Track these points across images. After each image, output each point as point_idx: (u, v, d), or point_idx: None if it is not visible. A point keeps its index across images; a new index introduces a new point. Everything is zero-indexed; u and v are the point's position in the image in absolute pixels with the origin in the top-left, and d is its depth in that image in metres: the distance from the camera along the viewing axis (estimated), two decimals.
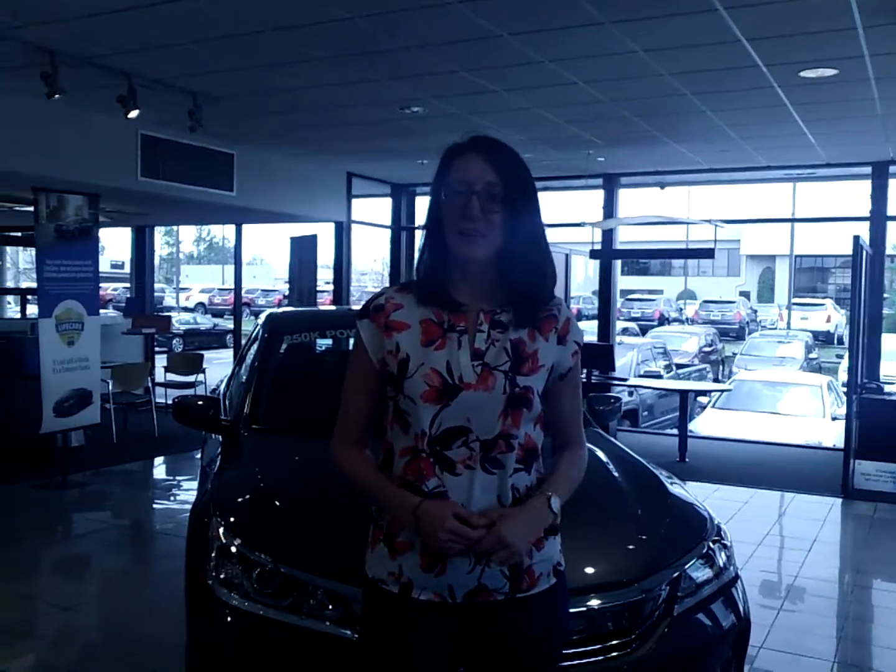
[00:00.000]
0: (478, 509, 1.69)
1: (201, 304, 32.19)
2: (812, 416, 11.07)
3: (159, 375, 9.98)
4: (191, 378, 9.66)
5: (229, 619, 2.50)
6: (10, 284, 21.01)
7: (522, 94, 6.13)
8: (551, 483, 1.78)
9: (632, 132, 7.32)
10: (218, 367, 11.74)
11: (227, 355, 15.87)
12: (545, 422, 1.82)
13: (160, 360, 10.96)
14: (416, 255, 1.85)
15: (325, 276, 11.67)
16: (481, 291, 1.76)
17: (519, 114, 6.70)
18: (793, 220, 26.51)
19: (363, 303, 1.85)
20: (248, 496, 2.99)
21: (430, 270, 1.78)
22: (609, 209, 9.83)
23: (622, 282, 15.65)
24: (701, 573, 2.73)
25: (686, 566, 2.69)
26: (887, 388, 7.91)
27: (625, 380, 10.24)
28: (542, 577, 1.77)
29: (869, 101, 6.07)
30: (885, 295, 9.65)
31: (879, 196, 8.52)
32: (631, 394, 10.98)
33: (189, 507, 3.38)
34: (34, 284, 7.08)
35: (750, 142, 7.69)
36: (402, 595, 1.73)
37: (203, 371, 9.71)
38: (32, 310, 10.92)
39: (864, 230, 8.43)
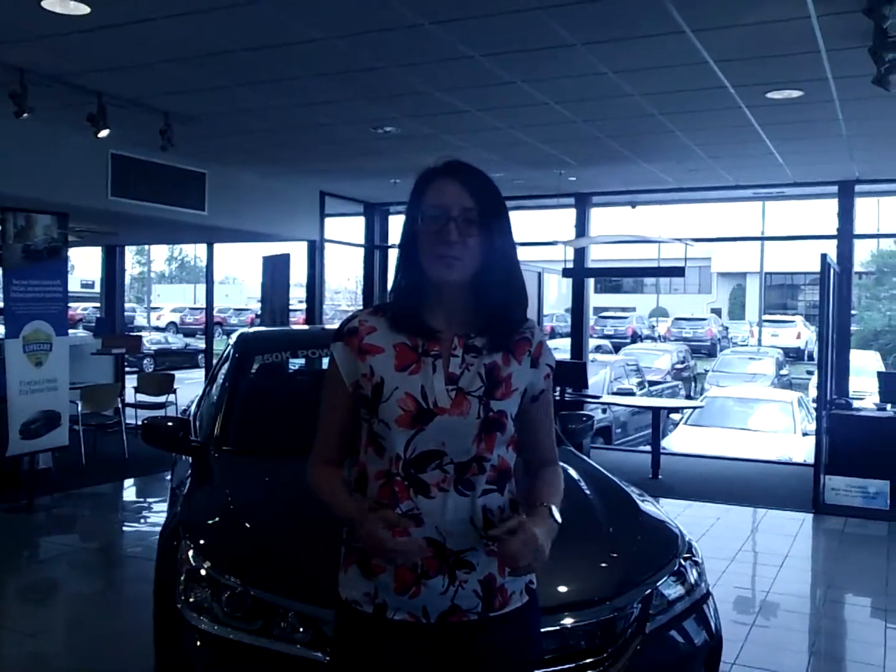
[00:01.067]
0: (451, 531, 1.70)
1: (173, 323, 31.98)
2: (783, 431, 11.18)
3: (129, 396, 9.87)
4: (161, 398, 9.56)
5: (199, 642, 2.47)
6: None
7: (495, 114, 6.18)
8: (544, 495, 1.78)
9: (603, 152, 7.40)
10: (189, 387, 11.63)
11: (198, 375, 15.74)
12: (518, 443, 1.83)
13: (130, 381, 10.83)
14: (391, 275, 1.85)
15: (297, 294, 11.65)
16: (456, 315, 1.77)
17: (492, 133, 6.75)
18: (762, 239, 26.91)
19: (337, 325, 1.85)
20: (217, 518, 2.96)
21: (405, 294, 1.78)
22: (581, 228, 9.91)
23: (595, 299, 15.77)
24: (672, 590, 2.74)
25: (658, 583, 2.70)
26: (856, 404, 8.01)
27: (598, 397, 10.28)
28: (514, 596, 1.78)
29: (834, 122, 6.19)
30: (853, 312, 9.79)
31: (846, 214, 8.66)
32: (604, 411, 11.03)
33: (159, 529, 3.34)
34: (1, 304, 6.99)
35: (719, 161, 7.80)
36: (377, 615, 1.73)
37: (174, 391, 9.61)
38: None
39: (832, 248, 8.57)
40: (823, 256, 7.11)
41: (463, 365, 1.74)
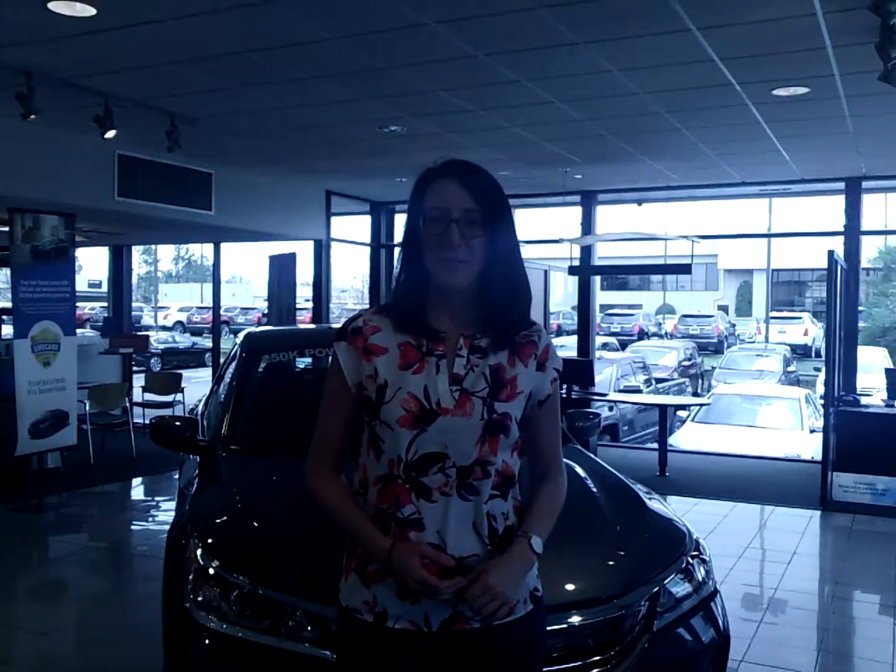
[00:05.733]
0: (453, 537, 1.68)
1: (180, 322, 32.05)
2: (790, 428, 11.15)
3: (137, 395, 9.90)
4: (169, 398, 9.59)
5: (207, 641, 2.48)
6: None
7: (499, 112, 6.18)
8: (532, 522, 1.76)
9: (608, 150, 7.39)
10: (196, 386, 11.67)
11: (205, 374, 15.77)
12: (523, 448, 1.80)
13: (138, 380, 10.87)
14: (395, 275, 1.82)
15: (304, 293, 11.67)
16: (460, 314, 1.75)
17: (496, 132, 6.75)
18: (769, 236, 26.83)
19: (340, 324, 1.84)
20: (225, 517, 2.97)
21: (408, 294, 1.75)
22: (587, 226, 9.90)
23: (601, 297, 15.71)
24: (680, 588, 2.74)
25: (665, 581, 2.70)
26: (864, 401, 7.98)
27: (604, 395, 10.27)
28: (518, 604, 1.75)
29: (840, 119, 6.17)
30: (861, 308, 9.76)
31: (853, 211, 8.64)
32: (611, 408, 11.01)
33: (167, 528, 3.35)
34: (9, 304, 7.02)
35: (725, 158, 7.79)
36: (377, 624, 1.71)
37: (181, 390, 9.64)
38: (7, 330, 10.82)
39: (839, 244, 8.55)
40: (830, 253, 7.09)
41: (468, 365, 1.72)
